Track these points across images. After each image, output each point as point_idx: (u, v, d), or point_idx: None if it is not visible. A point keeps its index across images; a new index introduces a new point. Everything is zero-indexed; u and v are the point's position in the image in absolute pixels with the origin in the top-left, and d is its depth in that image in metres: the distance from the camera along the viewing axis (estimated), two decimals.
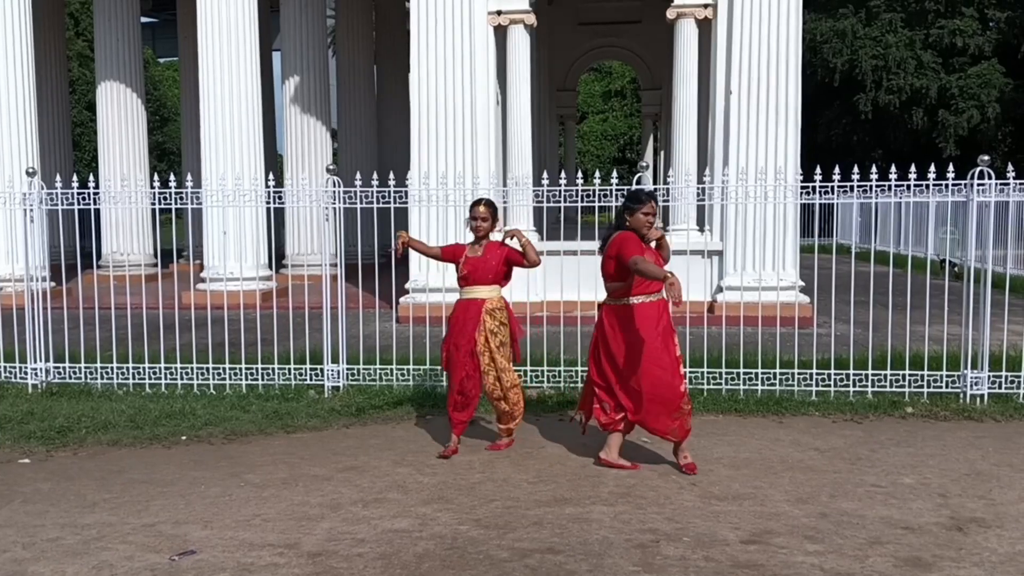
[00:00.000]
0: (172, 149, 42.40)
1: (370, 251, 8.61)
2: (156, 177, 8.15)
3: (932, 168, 7.30)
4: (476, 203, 6.14)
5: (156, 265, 17.21)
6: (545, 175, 7.91)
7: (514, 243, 6.07)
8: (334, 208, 7.86)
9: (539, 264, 6.13)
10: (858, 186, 7.47)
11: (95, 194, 7.98)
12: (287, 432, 6.66)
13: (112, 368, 7.97)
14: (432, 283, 10.40)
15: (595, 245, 8.54)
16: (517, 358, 6.37)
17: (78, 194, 7.91)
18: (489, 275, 6.07)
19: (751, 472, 5.67)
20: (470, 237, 6.25)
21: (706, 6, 11.95)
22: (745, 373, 7.55)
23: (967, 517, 4.85)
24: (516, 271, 6.25)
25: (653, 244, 5.77)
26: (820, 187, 7.54)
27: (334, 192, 7.79)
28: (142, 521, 4.88)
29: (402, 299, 11.72)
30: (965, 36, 27.67)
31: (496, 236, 6.20)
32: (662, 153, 23.06)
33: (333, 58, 20.31)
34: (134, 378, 7.93)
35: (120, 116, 17.64)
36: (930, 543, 4.49)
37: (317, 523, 4.80)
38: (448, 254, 6.26)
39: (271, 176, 8.33)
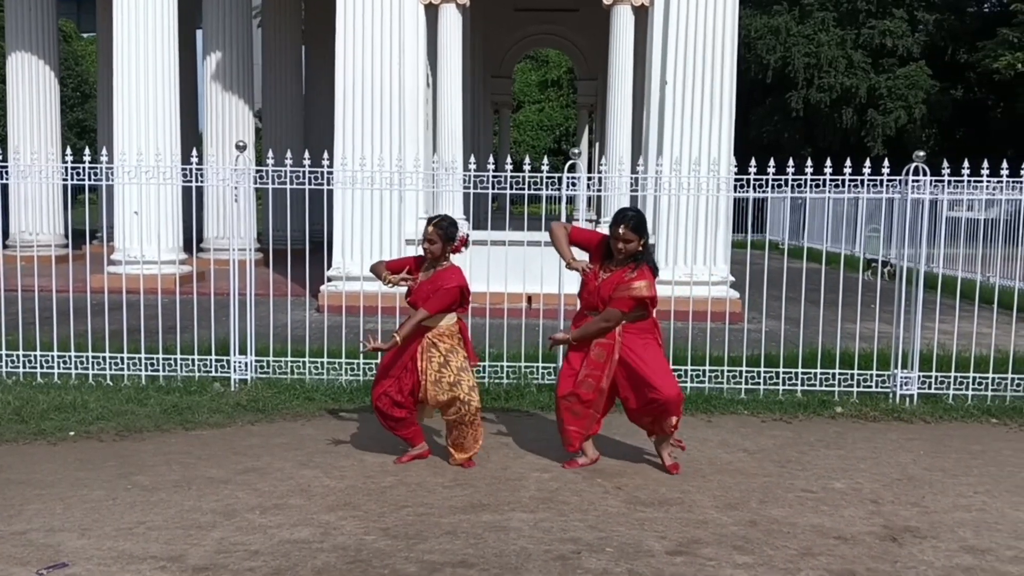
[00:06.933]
0: (93, 126, 40.61)
1: (299, 235, 8.11)
2: (69, 152, 7.44)
3: (868, 164, 7.12)
4: (428, 221, 5.37)
5: (67, 246, 16.34)
6: (491, 162, 7.44)
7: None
8: (245, 189, 7.38)
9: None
10: (792, 180, 7.28)
11: (1, 167, 7.36)
12: (186, 429, 6.16)
13: (0, 355, 7.37)
14: (353, 271, 9.93)
15: (523, 235, 8.29)
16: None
17: None
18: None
19: (679, 475, 5.39)
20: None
21: None
22: (674, 369, 7.28)
23: (901, 526, 4.64)
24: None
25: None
26: (755, 180, 7.34)
27: (243, 171, 7.30)
28: (12, 528, 4.39)
29: (322, 287, 11.26)
30: (895, 37, 28.05)
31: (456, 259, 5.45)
32: (597, 144, 22.84)
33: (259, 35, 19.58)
34: (24, 366, 7.34)
35: (31, 89, 16.72)
36: (863, 555, 4.26)
37: (207, 532, 4.37)
38: (396, 266, 5.49)
39: (193, 154, 7.71)
